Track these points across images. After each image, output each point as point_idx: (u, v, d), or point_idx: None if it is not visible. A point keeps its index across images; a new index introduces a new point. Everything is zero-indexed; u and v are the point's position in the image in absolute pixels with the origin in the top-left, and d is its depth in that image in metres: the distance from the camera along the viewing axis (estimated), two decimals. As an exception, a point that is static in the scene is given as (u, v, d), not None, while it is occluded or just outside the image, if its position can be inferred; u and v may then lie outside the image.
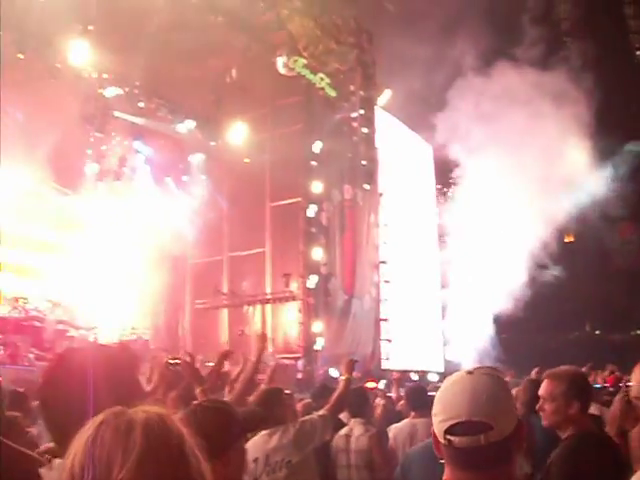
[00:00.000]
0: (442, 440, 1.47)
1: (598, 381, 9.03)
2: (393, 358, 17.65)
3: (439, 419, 1.49)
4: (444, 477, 1.50)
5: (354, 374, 4.72)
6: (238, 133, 16.78)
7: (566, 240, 22.31)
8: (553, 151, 18.02)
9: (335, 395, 4.39)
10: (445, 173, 21.40)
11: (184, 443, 1.07)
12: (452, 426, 1.45)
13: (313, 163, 16.91)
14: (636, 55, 23.84)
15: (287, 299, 17.31)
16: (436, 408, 1.50)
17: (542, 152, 17.78)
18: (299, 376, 15.34)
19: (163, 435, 1.04)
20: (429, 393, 5.50)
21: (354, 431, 5.16)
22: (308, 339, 16.34)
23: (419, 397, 5.33)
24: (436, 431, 1.49)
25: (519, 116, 17.58)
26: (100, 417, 1.06)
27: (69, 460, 1.04)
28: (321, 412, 4.31)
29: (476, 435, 1.43)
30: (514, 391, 4.98)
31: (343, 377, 4.51)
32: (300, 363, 15.91)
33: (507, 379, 5.24)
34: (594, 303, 41.11)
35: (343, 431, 5.20)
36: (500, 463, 1.46)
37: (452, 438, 1.45)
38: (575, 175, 18.56)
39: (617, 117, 19.27)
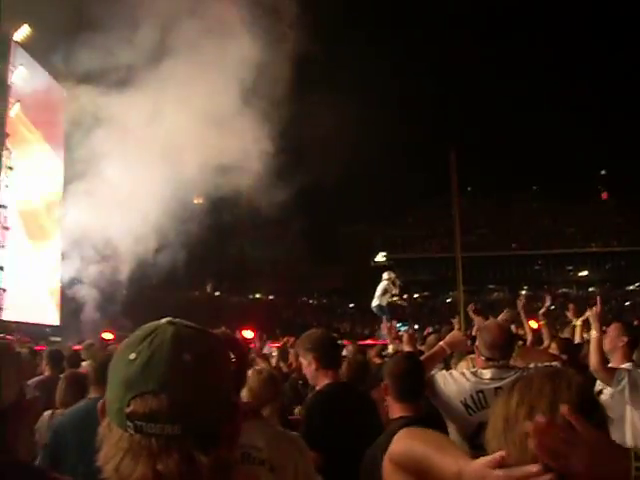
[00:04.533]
0: None
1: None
2: (9, 309, 18.42)
3: None
4: None
5: None
6: None
7: (195, 201, 24.23)
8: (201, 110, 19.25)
9: None
10: (80, 116, 20.69)
11: None
12: None
13: None
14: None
15: None
16: None
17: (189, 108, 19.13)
18: None
19: None
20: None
21: None
22: None
23: None
24: None
25: (168, 68, 18.83)
26: None
27: None
28: None
29: None
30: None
31: None
32: None
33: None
34: (216, 265, 45.73)
35: None
36: None
37: None
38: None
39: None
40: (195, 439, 1.13)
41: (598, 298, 4.92)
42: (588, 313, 5.95)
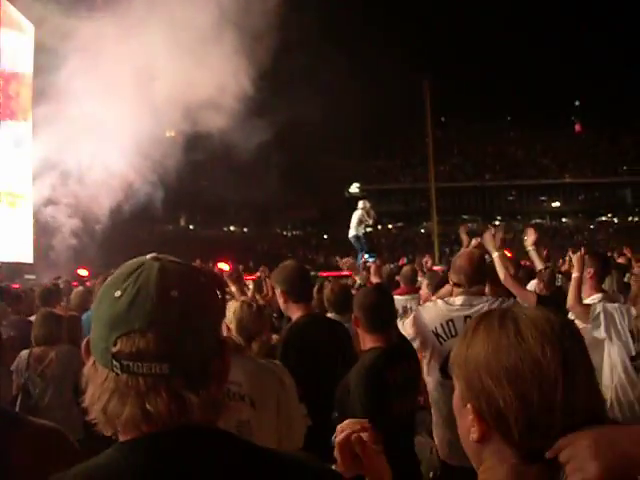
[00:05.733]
0: None
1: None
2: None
3: None
4: None
5: None
6: None
7: (167, 134, 23.85)
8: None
9: None
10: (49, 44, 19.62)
11: None
12: None
13: None
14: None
15: None
16: None
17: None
18: None
19: None
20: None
21: None
22: None
23: None
24: None
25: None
26: None
27: None
28: None
29: None
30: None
31: None
32: None
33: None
34: (190, 198, 45.39)
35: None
36: None
37: None
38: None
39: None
40: (184, 378, 1.12)
41: (582, 249, 5.00)
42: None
